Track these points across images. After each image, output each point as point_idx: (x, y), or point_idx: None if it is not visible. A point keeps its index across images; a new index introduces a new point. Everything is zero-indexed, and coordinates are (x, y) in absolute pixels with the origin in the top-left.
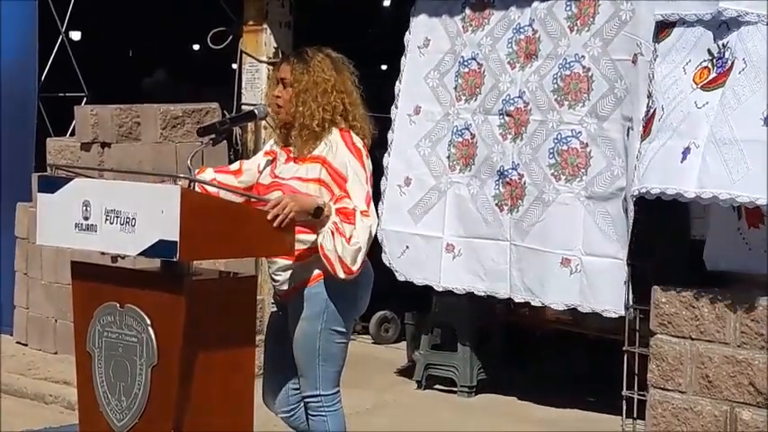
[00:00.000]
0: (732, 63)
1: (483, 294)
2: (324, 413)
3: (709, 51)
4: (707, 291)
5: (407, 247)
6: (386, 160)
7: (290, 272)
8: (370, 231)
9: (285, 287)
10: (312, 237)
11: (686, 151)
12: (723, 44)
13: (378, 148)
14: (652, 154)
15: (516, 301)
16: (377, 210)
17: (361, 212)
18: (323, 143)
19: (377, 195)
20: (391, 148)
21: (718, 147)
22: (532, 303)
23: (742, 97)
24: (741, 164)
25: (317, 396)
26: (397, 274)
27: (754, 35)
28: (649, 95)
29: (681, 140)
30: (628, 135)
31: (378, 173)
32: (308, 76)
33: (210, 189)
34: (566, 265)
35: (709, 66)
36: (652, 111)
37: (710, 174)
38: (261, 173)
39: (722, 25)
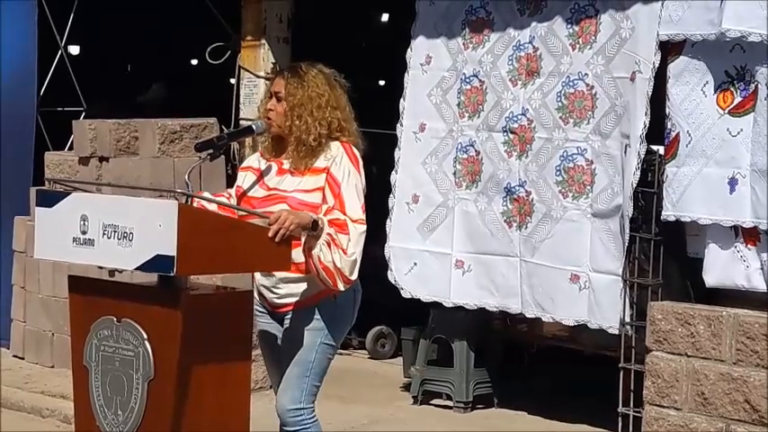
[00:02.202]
0: (756, 87)
1: (495, 310)
2: (308, 426)
3: (726, 73)
4: (703, 308)
5: (415, 263)
6: (393, 178)
7: (296, 285)
8: (364, 239)
9: (286, 300)
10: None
11: (733, 182)
12: (741, 66)
13: (374, 164)
14: (687, 181)
15: (528, 316)
16: (385, 227)
17: (356, 220)
18: (323, 157)
19: (384, 212)
20: (398, 165)
21: (762, 176)
22: (543, 319)
23: None
24: None
25: (299, 410)
26: (402, 291)
27: None
28: (668, 117)
29: (722, 169)
30: (625, 152)
31: (384, 190)
32: (303, 91)
33: (207, 206)
34: (575, 282)
35: (732, 89)
36: (675, 134)
37: (763, 204)
38: (245, 189)
39: (735, 47)
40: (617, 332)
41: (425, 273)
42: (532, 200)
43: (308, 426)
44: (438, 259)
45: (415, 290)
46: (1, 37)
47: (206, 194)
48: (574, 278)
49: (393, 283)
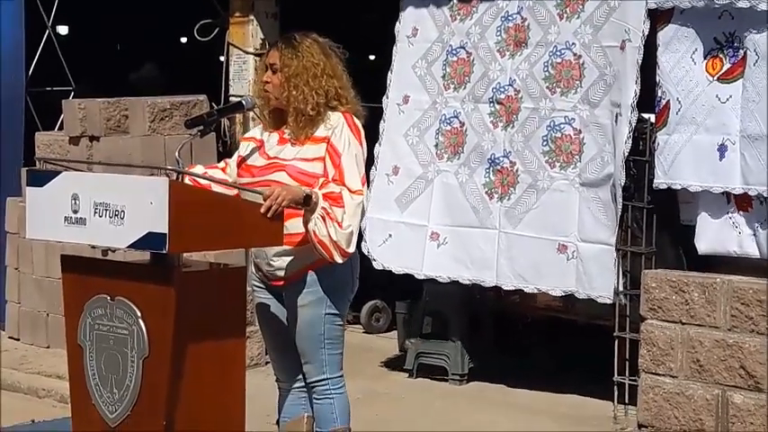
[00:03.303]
0: (745, 53)
1: (468, 283)
2: (331, 396)
3: (716, 40)
4: (696, 275)
5: (390, 235)
6: (376, 149)
7: (289, 258)
8: (362, 209)
9: (281, 273)
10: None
11: (723, 148)
12: (730, 33)
13: (366, 138)
14: (677, 148)
15: (505, 288)
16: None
17: (355, 191)
18: (323, 126)
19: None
20: (382, 137)
21: (751, 142)
22: (525, 290)
23: (761, 90)
24: None
25: (324, 380)
26: (374, 263)
27: (758, 25)
28: (658, 85)
29: (711, 136)
30: (616, 121)
31: (368, 162)
32: (298, 61)
33: (200, 181)
34: (562, 252)
35: (721, 55)
36: (665, 101)
37: (752, 170)
38: (245, 158)
39: (724, 14)
40: (607, 301)
41: (399, 244)
42: (517, 170)
43: (332, 396)
44: (413, 231)
45: (387, 261)
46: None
47: (198, 167)
48: (561, 248)
49: (365, 254)
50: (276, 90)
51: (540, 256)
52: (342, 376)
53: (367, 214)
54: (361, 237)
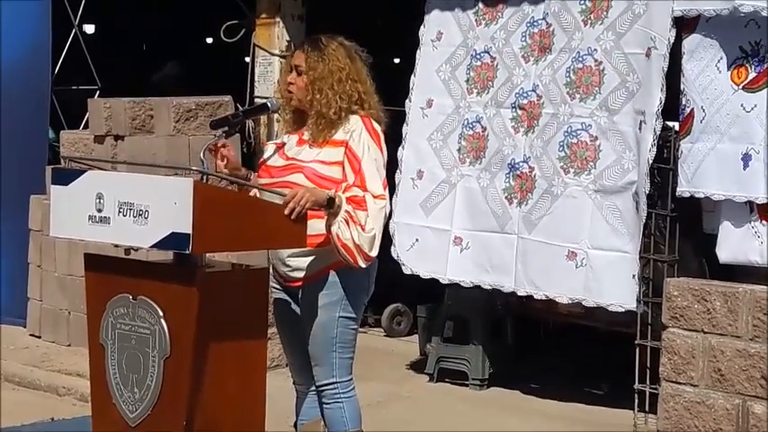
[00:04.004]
0: None
1: (489, 288)
2: (340, 400)
3: (741, 49)
4: (719, 284)
5: (417, 239)
6: (400, 153)
7: (305, 259)
8: (384, 214)
9: (298, 274)
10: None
11: (747, 158)
12: (755, 42)
13: (389, 141)
14: (701, 156)
15: (519, 294)
16: (391, 202)
17: (378, 196)
18: (341, 130)
19: (391, 188)
20: (405, 141)
21: None
22: (535, 296)
23: None
24: None
25: (333, 384)
26: (403, 267)
27: None
28: (683, 93)
29: (735, 145)
30: (640, 128)
31: (392, 166)
32: (323, 65)
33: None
34: (571, 259)
35: (746, 64)
36: (689, 110)
37: None
38: (266, 159)
39: (750, 23)
40: (619, 310)
41: (425, 249)
42: (535, 176)
43: (341, 400)
44: (437, 236)
45: (415, 266)
46: (16, 16)
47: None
48: (571, 255)
49: (395, 258)
50: (300, 92)
51: (551, 262)
52: (351, 380)
53: (394, 218)
54: (390, 241)
